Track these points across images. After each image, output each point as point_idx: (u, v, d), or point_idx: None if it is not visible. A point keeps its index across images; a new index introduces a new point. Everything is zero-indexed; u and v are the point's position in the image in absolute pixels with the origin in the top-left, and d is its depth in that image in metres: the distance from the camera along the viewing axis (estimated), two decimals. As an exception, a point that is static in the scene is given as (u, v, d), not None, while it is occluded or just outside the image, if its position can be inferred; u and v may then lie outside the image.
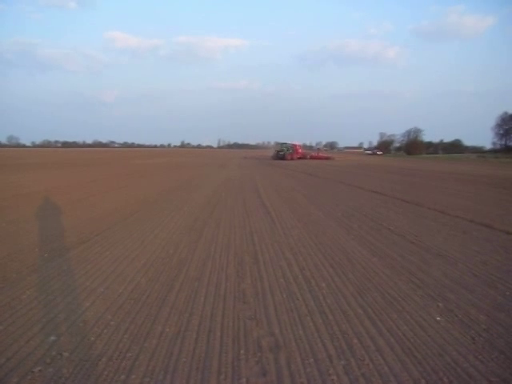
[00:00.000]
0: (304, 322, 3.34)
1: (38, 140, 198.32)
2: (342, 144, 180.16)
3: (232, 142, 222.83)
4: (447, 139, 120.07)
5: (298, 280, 4.36)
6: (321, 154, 56.83)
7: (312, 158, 51.86)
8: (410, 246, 5.84)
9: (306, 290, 4.05)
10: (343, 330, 3.17)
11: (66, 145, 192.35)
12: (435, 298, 3.84)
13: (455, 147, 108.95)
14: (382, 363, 2.67)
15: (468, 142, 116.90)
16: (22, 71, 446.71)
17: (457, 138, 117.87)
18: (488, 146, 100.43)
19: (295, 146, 50.57)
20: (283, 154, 47.56)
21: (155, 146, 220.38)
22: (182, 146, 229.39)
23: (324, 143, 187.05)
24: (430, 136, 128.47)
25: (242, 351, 2.85)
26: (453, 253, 5.45)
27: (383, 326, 3.25)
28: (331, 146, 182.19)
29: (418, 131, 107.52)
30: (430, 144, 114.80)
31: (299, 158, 48.43)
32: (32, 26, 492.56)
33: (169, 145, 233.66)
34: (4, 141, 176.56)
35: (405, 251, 5.53)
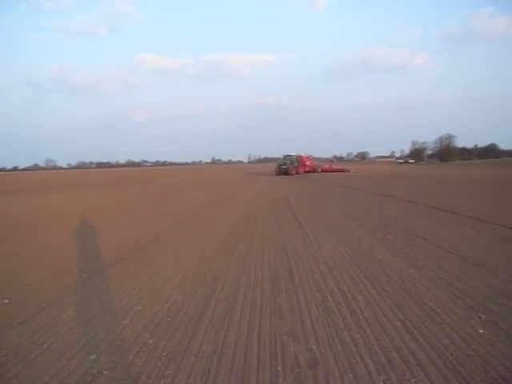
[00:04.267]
0: (341, 336, 3.28)
1: (74, 162, 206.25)
2: (373, 153, 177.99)
3: (262, 156, 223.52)
4: (482, 144, 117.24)
5: (333, 294, 4.31)
6: (334, 167, 48.60)
7: (324, 171, 45.25)
8: (448, 255, 5.67)
9: (342, 304, 3.99)
10: (382, 344, 3.10)
11: (100, 165, 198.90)
12: (477, 310, 3.70)
13: (491, 152, 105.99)
14: (423, 378, 2.58)
15: (504, 145, 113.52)
16: (58, 97, 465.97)
17: (492, 142, 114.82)
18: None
19: (302, 157, 44.58)
20: (286, 168, 41.40)
21: (186, 164, 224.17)
22: (213, 162, 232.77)
23: (355, 153, 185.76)
24: (463, 142, 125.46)
25: (279, 367, 2.82)
26: (493, 261, 5.26)
27: (423, 340, 3.15)
28: (362, 155, 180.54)
29: (450, 137, 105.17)
30: (463, 150, 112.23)
31: (307, 172, 43.31)
32: (66, 53, 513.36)
33: (200, 161, 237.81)
34: (42, 164, 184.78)
35: (442, 261, 5.37)
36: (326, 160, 54.24)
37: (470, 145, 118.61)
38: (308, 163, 45.52)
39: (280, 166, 42.53)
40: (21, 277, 5.42)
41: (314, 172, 43.82)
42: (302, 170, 42.69)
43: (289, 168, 41.28)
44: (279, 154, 42.69)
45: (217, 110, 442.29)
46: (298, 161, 43.27)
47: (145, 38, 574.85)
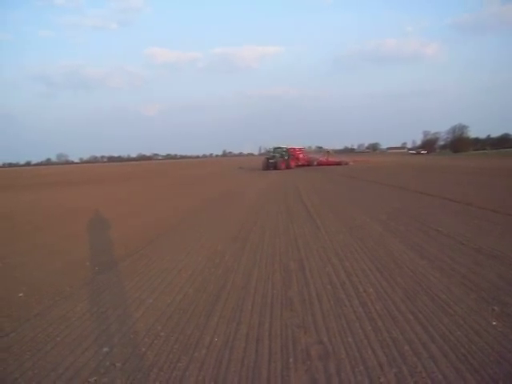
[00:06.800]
0: (353, 328, 3.27)
1: (86, 156, 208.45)
2: (385, 145, 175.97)
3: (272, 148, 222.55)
4: (495, 134, 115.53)
5: (345, 286, 4.29)
6: (331, 159, 43.91)
7: (320, 164, 41.58)
8: (461, 247, 5.61)
9: (353, 296, 3.98)
10: (393, 337, 3.08)
11: (111, 159, 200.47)
12: (490, 302, 3.66)
13: (504, 142, 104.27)
14: (435, 371, 2.57)
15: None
16: (69, 92, 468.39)
17: (505, 132, 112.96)
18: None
19: (293, 150, 40.32)
20: (275, 161, 36.51)
21: (197, 157, 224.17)
22: (224, 155, 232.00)
23: (366, 145, 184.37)
24: (476, 132, 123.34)
25: (290, 360, 2.83)
26: (507, 253, 5.17)
27: (435, 332, 3.12)
28: (374, 147, 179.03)
29: (463, 128, 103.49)
30: (476, 140, 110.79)
31: (300, 166, 39.60)
32: (77, 48, 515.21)
33: (210, 154, 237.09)
34: (54, 159, 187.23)
35: (455, 253, 5.31)
36: (321, 151, 49.41)
37: (482, 135, 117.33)
38: (301, 156, 41.63)
39: (268, 159, 37.79)
40: (35, 270, 5.51)
41: (308, 165, 40.44)
42: (293, 164, 38.56)
43: (277, 162, 36.59)
44: (290, 146, 39.66)
45: (227, 102, 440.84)
46: (289, 153, 38.89)
47: (154, 33, 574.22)
